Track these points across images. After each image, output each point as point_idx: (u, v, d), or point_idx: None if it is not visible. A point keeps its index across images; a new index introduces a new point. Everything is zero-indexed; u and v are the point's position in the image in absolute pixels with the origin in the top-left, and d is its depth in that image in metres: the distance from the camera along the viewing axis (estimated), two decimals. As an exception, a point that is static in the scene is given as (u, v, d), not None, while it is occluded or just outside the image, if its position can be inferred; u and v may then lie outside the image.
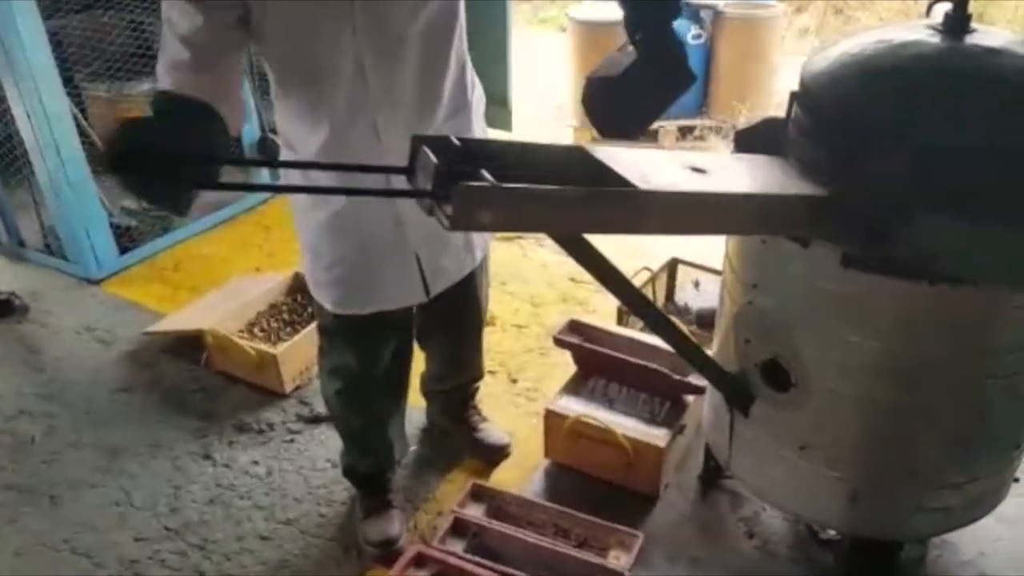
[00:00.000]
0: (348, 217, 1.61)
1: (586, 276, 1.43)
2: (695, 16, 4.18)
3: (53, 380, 2.60)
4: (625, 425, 2.04)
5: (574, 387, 2.19)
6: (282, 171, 1.72)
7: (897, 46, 1.38)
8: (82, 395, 2.53)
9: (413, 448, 2.24)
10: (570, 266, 2.85)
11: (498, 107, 3.55)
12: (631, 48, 1.35)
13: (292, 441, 2.31)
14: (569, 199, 1.16)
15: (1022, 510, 1.92)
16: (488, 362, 2.46)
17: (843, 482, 1.56)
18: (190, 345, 2.60)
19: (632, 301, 1.52)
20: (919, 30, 1.41)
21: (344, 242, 1.64)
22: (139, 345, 2.72)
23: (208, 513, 2.09)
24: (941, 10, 1.43)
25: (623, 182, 1.20)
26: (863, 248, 1.33)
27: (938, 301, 1.34)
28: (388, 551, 1.90)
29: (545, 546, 1.79)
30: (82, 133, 3.02)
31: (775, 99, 4.19)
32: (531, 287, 2.98)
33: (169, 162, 1.16)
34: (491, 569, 1.72)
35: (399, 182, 1.23)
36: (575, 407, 2.10)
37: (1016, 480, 1.70)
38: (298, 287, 2.70)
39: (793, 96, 1.49)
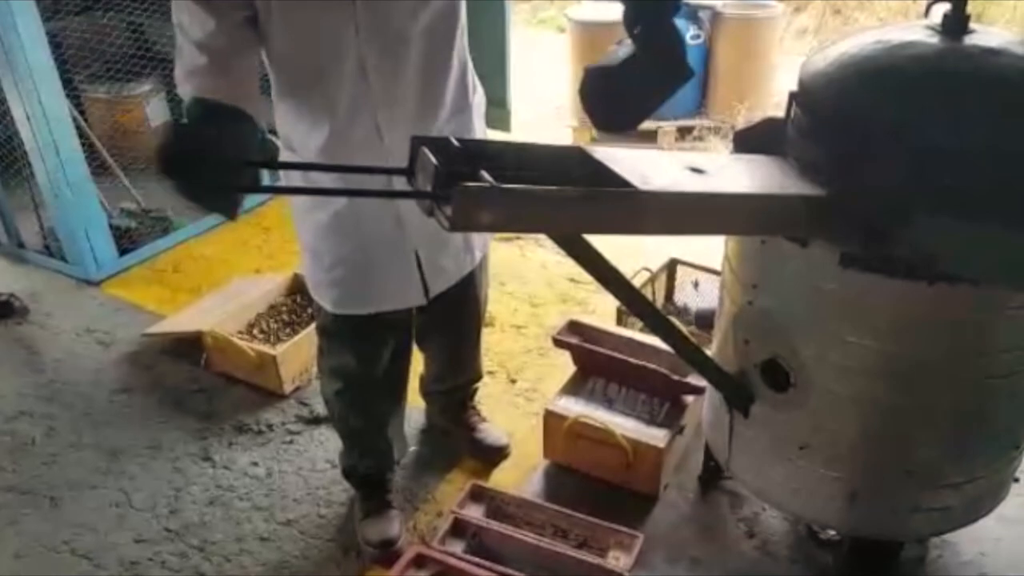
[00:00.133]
0: (348, 218, 1.61)
1: (585, 276, 1.43)
2: (694, 16, 4.18)
3: (53, 381, 2.60)
4: (624, 426, 2.04)
5: (573, 388, 2.19)
6: (282, 172, 1.72)
7: (895, 46, 1.39)
8: (82, 396, 2.53)
9: (412, 449, 2.24)
10: (569, 266, 2.85)
11: (497, 108, 3.55)
12: (629, 42, 1.36)
13: (292, 442, 2.31)
14: (568, 199, 1.17)
15: (1022, 510, 1.92)
16: (487, 363, 2.47)
17: (842, 482, 1.56)
18: (190, 346, 2.60)
19: (631, 301, 1.52)
20: (918, 30, 1.41)
21: (344, 242, 1.64)
22: (139, 346, 2.72)
23: (208, 514, 2.09)
24: (940, 10, 1.43)
25: (622, 182, 1.20)
26: (862, 248, 1.33)
27: (936, 301, 1.34)
28: (387, 552, 1.90)
29: (545, 547, 1.79)
30: (81, 135, 3.03)
31: (774, 99, 4.20)
32: (530, 287, 2.98)
33: (222, 168, 1.20)
34: (490, 570, 1.72)
35: (399, 183, 1.24)
36: (574, 408, 2.10)
37: (1016, 480, 1.70)
38: (297, 288, 2.70)
39: (792, 96, 1.49)
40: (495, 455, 2.20)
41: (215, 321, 2.54)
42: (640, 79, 1.35)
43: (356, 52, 1.46)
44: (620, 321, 2.50)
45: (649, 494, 2.03)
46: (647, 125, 4.21)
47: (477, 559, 1.76)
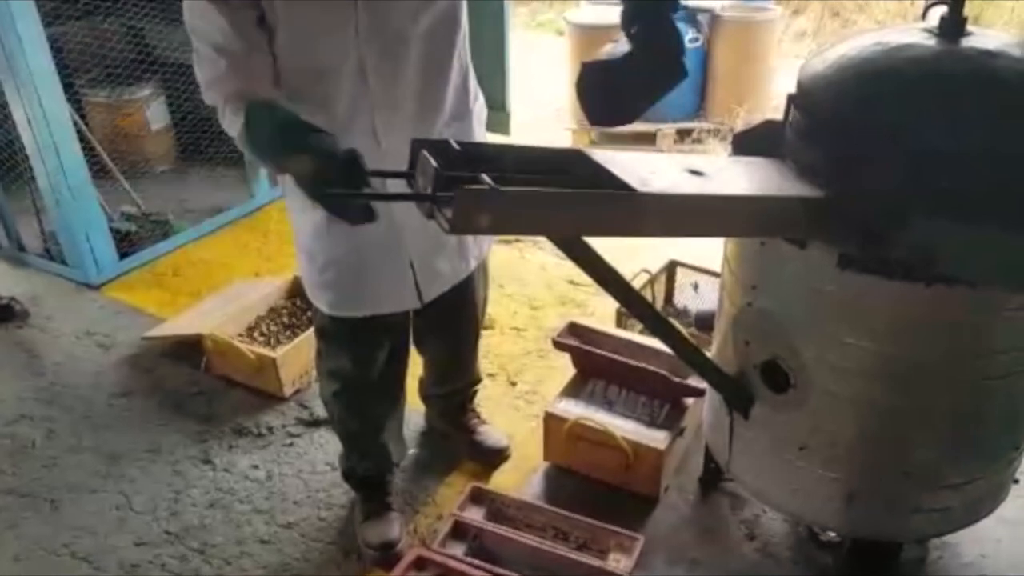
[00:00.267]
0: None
1: (585, 279, 1.43)
2: (692, 19, 4.19)
3: (53, 385, 2.60)
4: (624, 427, 2.04)
5: (573, 390, 2.19)
6: (279, 176, 1.72)
7: (893, 49, 1.39)
8: (82, 400, 2.53)
9: (412, 451, 2.24)
10: (569, 268, 2.86)
11: (496, 111, 3.55)
12: (625, 40, 1.37)
13: (292, 445, 2.32)
14: (568, 202, 1.17)
15: (1022, 512, 1.92)
16: (487, 365, 2.47)
17: (840, 483, 1.56)
18: (190, 349, 2.60)
19: (631, 303, 1.52)
20: (915, 33, 1.42)
21: (338, 244, 1.64)
22: (139, 350, 2.72)
23: (208, 517, 2.10)
24: (937, 13, 1.44)
25: (621, 185, 1.21)
26: (860, 250, 1.34)
27: (934, 302, 1.34)
28: (388, 554, 1.90)
29: (545, 549, 1.79)
30: (82, 138, 3.03)
31: (772, 102, 4.21)
32: (530, 290, 2.98)
33: (359, 172, 1.19)
34: (491, 572, 1.72)
35: (393, 186, 1.24)
36: (574, 410, 2.10)
37: (1016, 481, 1.71)
38: (297, 291, 2.70)
39: (790, 99, 1.50)
40: (495, 457, 2.20)
41: (215, 324, 2.54)
42: (636, 77, 1.36)
43: (356, 52, 1.46)
44: (620, 323, 2.50)
45: (649, 496, 2.04)
46: (646, 128, 4.24)
47: (477, 561, 1.76)
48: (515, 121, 3.99)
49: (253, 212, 3.55)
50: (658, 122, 4.22)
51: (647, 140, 4.23)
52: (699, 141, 4.30)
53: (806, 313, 1.47)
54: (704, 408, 1.91)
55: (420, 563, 1.75)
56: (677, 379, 2.06)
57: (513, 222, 1.16)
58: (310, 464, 2.25)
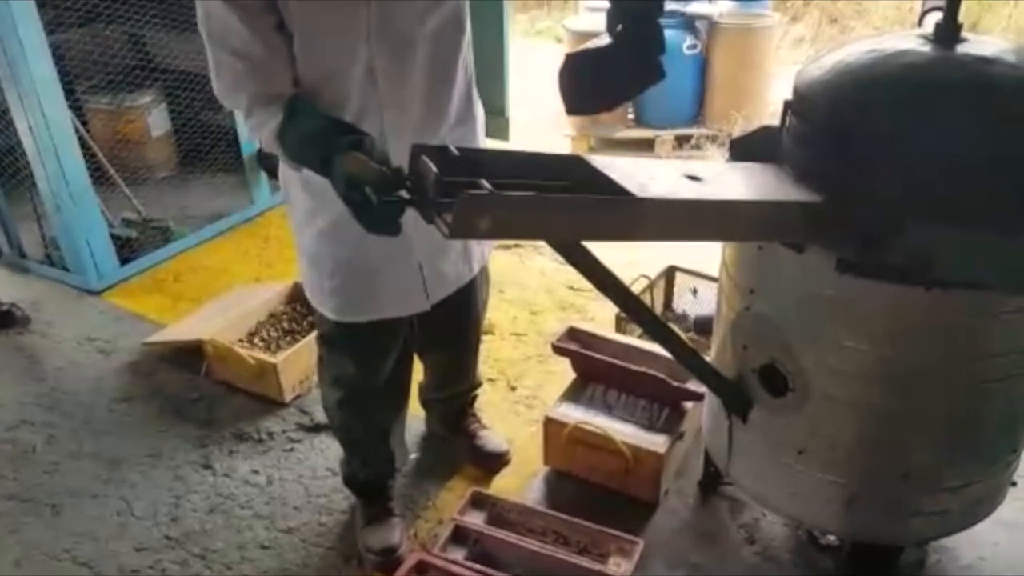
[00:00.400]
0: (348, 224, 1.61)
1: (584, 283, 1.44)
2: (691, 27, 4.20)
3: (54, 390, 2.61)
4: (624, 432, 2.05)
5: (573, 394, 2.19)
6: (281, 182, 1.73)
7: (889, 55, 1.41)
8: (83, 405, 2.53)
9: (413, 456, 2.25)
10: (568, 273, 2.87)
11: (495, 117, 3.57)
12: (608, 38, 1.41)
13: (292, 450, 2.32)
14: (567, 207, 1.18)
15: (1021, 514, 1.93)
16: (487, 370, 2.48)
17: (839, 486, 1.57)
18: (190, 355, 2.60)
19: (630, 308, 1.53)
20: (911, 40, 1.43)
21: (345, 249, 1.64)
22: (139, 355, 2.73)
23: (209, 522, 2.10)
24: (933, 20, 1.45)
25: (620, 190, 1.22)
26: (857, 254, 1.35)
27: (931, 306, 1.35)
28: (389, 559, 1.90)
29: (545, 553, 1.80)
30: (83, 145, 3.04)
31: (770, 108, 4.22)
32: (529, 295, 2.99)
33: (401, 181, 1.19)
34: (491, 576, 1.72)
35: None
36: (574, 414, 2.10)
37: (1014, 484, 1.71)
38: (298, 296, 2.71)
39: (787, 105, 1.51)
40: (495, 462, 2.20)
41: (215, 330, 2.55)
42: (611, 70, 1.40)
43: (367, 54, 1.47)
44: (619, 328, 2.51)
45: (649, 500, 2.04)
46: (645, 134, 4.26)
47: (478, 566, 1.76)
48: (514, 127, 4.01)
49: (253, 218, 3.56)
50: (657, 128, 4.25)
51: (646, 146, 4.25)
52: (697, 147, 4.31)
53: (804, 317, 1.48)
54: (703, 412, 1.92)
55: (421, 568, 1.76)
56: (676, 383, 2.07)
57: (513, 226, 1.17)
58: (310, 469, 2.25)
